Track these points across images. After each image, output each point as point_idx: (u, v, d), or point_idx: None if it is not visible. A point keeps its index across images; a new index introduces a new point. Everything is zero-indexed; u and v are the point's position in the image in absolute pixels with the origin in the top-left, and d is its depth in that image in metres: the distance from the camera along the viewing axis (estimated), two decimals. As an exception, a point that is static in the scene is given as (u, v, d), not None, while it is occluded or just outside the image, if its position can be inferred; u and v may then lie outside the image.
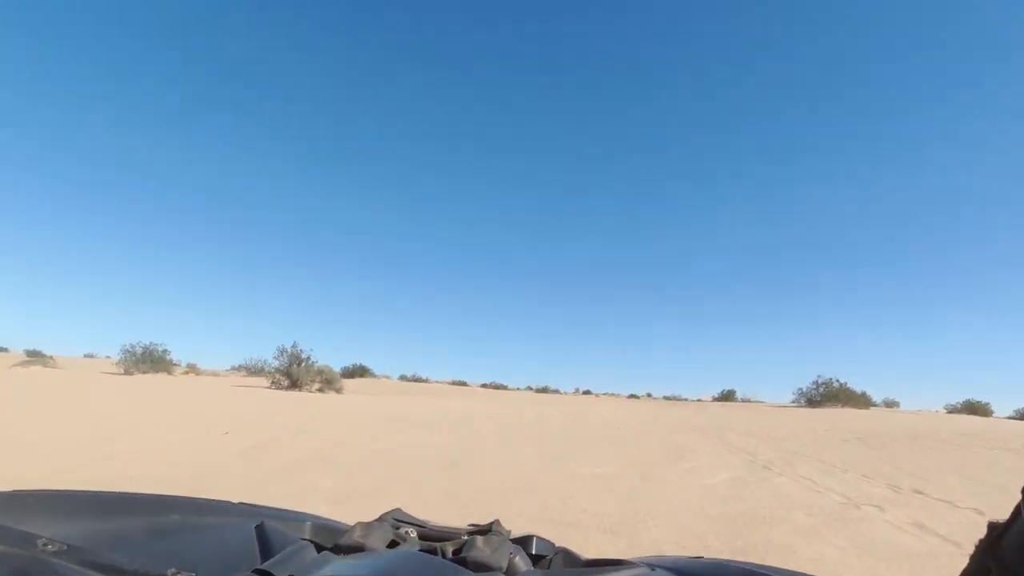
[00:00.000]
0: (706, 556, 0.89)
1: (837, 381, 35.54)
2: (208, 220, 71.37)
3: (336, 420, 13.11)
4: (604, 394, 67.18)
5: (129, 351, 31.23)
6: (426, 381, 51.20)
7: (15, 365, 33.89)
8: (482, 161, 75.08)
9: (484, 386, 61.71)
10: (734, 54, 66.63)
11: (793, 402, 53.80)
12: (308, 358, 25.47)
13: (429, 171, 75.90)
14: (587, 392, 68.31)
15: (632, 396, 68.67)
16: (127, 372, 30.41)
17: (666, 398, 67.53)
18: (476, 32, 66.22)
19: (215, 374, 40.51)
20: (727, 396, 52.38)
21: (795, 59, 65.83)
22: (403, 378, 53.60)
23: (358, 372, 41.53)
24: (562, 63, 68.78)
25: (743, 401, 51.85)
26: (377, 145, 73.89)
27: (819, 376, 36.93)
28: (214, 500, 1.04)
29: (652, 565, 0.80)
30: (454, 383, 59.79)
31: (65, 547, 0.64)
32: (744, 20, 63.36)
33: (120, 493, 0.97)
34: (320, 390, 24.80)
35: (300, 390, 24.37)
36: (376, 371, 44.14)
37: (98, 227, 67.03)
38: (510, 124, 73.96)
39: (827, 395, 35.37)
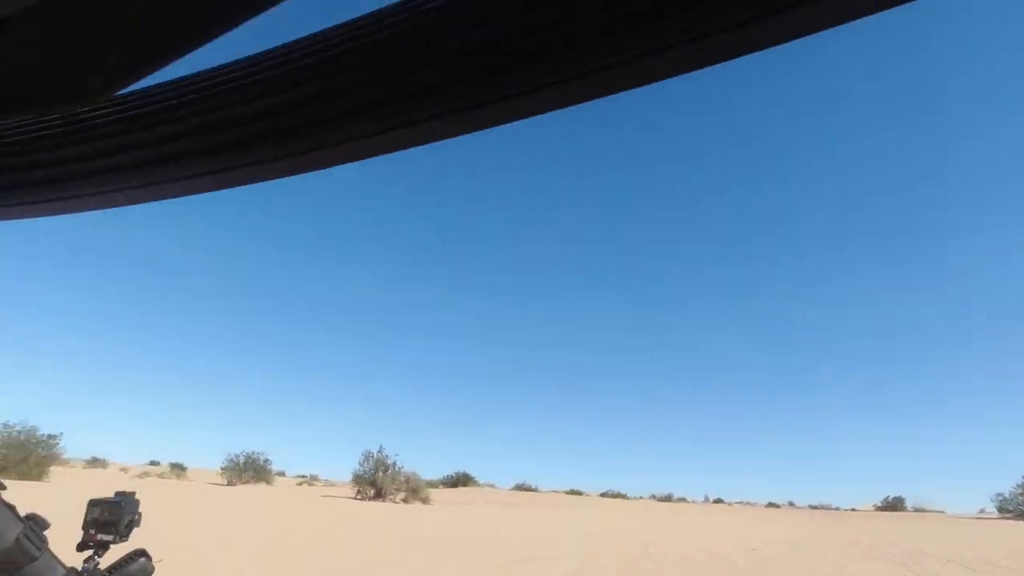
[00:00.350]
0: None
1: (1055, 483, 26.81)
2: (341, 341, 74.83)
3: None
4: (738, 503, 59.24)
5: (232, 461, 30.70)
6: (535, 490, 46.80)
7: (138, 475, 34.59)
8: (596, 258, 74.28)
9: (603, 495, 56.07)
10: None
11: (983, 512, 42.98)
12: (394, 464, 23.16)
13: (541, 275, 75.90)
14: (719, 500, 59.78)
15: (771, 505, 59.87)
16: (230, 483, 29.69)
17: (812, 507, 57.36)
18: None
19: (330, 484, 39.49)
20: (894, 505, 42.70)
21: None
22: (518, 487, 49.71)
23: (461, 480, 38.46)
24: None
25: (915, 511, 41.95)
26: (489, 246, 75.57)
27: (1029, 476, 28.02)
28: None
29: None
30: (569, 492, 54.80)
31: None
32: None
33: None
34: (405, 500, 22.13)
35: (383, 500, 21.86)
36: (484, 479, 40.71)
37: (254, 345, 72.37)
38: (614, 219, 73.21)
39: (1043, 502, 26.67)
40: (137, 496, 0.93)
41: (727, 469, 77.24)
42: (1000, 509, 29.33)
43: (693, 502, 57.90)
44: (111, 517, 0.89)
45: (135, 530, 0.90)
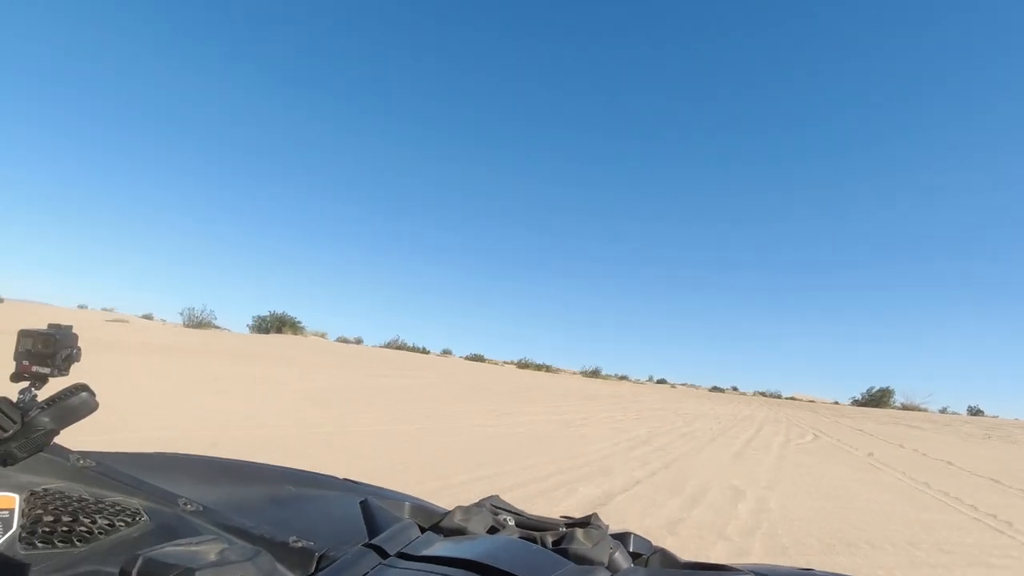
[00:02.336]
0: (817, 570, 0.77)
1: None
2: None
3: None
4: (681, 384, 51.00)
5: None
6: (414, 350, 33.82)
7: None
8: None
9: (524, 366, 44.87)
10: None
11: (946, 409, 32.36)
12: None
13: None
14: (662, 381, 51.07)
15: (715, 388, 50.32)
16: None
17: (761, 394, 47.30)
18: None
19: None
20: (878, 399, 31.25)
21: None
22: (394, 346, 37.75)
23: (274, 325, 24.74)
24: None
25: (904, 408, 30.75)
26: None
27: None
28: (321, 474, 1.03)
29: (758, 573, 0.71)
30: (471, 358, 43.03)
31: (201, 508, 0.71)
32: None
33: (241, 461, 1.00)
34: None
35: None
36: (312, 328, 26.98)
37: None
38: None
39: None
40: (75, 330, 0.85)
41: (661, 351, 68.91)
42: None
43: (637, 381, 49.54)
44: (45, 349, 0.78)
45: (74, 364, 0.82)
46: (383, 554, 0.61)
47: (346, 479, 1.03)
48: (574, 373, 47.67)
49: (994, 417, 30.50)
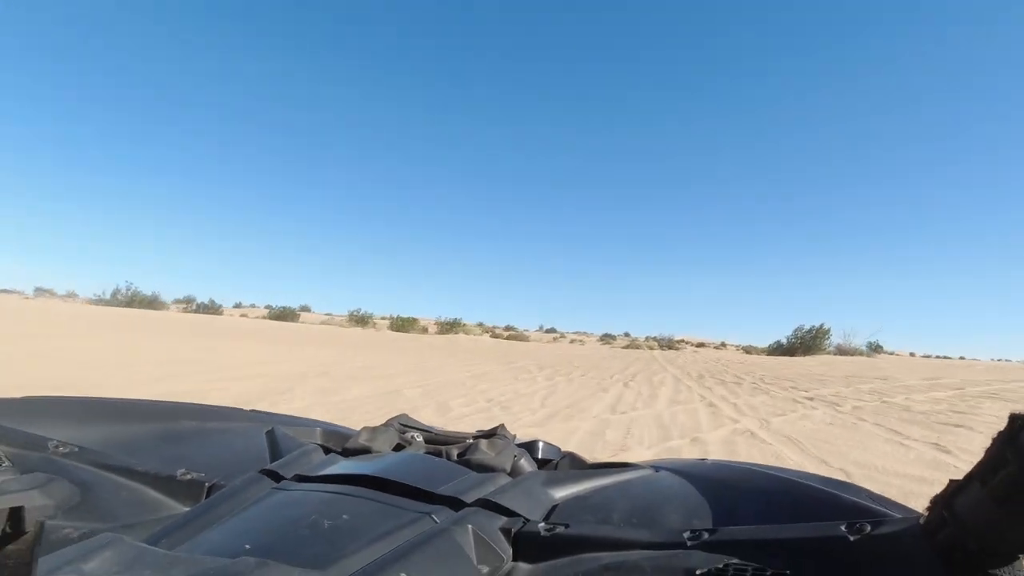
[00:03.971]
0: (709, 459, 0.81)
1: None
2: None
3: None
4: (573, 333, 47.68)
5: None
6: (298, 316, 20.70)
7: None
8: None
9: (358, 320, 33.70)
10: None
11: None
12: None
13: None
14: (551, 330, 48.63)
15: (606, 337, 43.25)
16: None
17: (659, 343, 39.33)
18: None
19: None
20: (809, 342, 22.68)
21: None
22: (351, 317, 29.97)
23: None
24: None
25: (840, 351, 22.82)
26: None
27: None
28: (225, 407, 0.99)
29: (657, 467, 0.76)
30: (276, 315, 30.55)
31: (76, 449, 0.66)
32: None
33: (130, 400, 0.93)
34: None
35: None
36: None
37: None
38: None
39: None
40: None
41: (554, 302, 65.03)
42: None
43: (527, 332, 43.77)
44: None
45: None
46: (277, 478, 0.60)
47: (253, 410, 0.99)
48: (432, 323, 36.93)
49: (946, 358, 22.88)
